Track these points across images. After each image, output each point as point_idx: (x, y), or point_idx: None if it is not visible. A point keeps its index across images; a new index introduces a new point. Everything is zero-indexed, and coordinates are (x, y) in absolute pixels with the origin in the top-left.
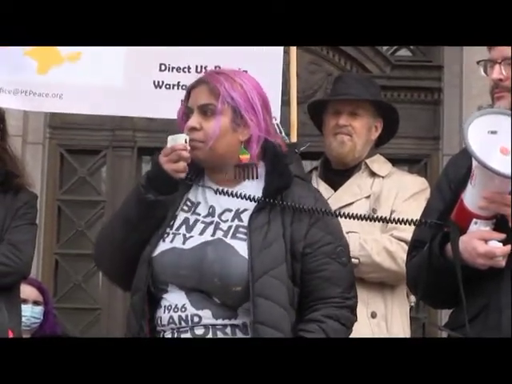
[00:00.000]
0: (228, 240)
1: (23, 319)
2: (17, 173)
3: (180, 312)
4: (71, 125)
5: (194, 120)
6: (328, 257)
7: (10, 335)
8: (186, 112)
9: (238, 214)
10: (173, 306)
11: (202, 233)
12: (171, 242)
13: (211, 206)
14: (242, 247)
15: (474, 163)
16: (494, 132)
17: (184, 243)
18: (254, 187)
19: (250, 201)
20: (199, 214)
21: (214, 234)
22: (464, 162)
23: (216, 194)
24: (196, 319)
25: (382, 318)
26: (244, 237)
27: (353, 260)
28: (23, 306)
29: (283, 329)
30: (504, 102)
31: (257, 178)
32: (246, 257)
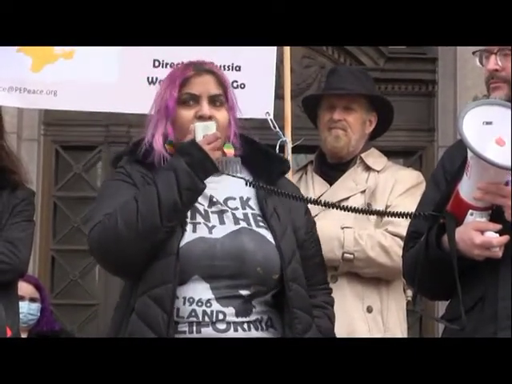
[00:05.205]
0: (255, 228)
1: (20, 316)
2: (14, 169)
3: (205, 307)
4: (66, 121)
5: (207, 108)
6: (318, 244)
7: (8, 333)
8: (184, 99)
9: (245, 202)
10: (195, 299)
11: (222, 222)
12: (194, 231)
13: (210, 195)
14: (268, 235)
15: (470, 154)
16: (489, 123)
17: (211, 233)
18: (234, 179)
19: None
20: (201, 204)
21: (237, 222)
22: (460, 153)
23: (247, 185)
24: (220, 316)
25: (377, 313)
26: (264, 225)
27: (348, 255)
28: (20, 303)
29: (311, 312)
30: (500, 92)
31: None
32: (274, 244)
